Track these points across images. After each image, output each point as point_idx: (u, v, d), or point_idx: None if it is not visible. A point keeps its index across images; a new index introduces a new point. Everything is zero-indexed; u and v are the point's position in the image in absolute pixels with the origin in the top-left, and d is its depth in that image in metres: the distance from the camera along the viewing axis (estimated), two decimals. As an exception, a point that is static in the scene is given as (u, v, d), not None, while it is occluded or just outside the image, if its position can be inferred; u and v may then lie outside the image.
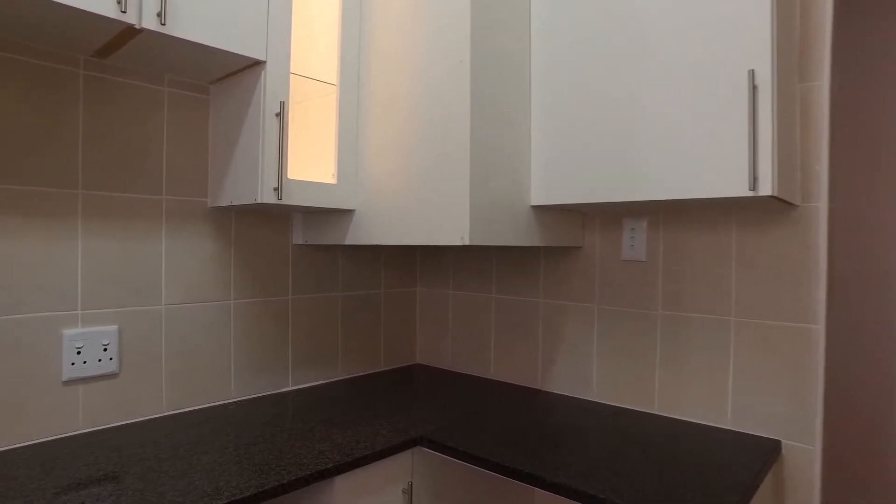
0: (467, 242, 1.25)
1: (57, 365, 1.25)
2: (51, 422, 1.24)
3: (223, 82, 1.43)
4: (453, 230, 1.28)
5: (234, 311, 1.55)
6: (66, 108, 1.26)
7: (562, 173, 1.34)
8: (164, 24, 1.11)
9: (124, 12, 1.06)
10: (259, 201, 1.30)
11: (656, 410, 1.48)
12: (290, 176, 1.39)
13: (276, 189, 1.31)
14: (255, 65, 1.32)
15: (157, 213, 1.40)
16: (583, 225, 1.62)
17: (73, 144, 1.27)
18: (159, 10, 1.11)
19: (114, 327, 1.32)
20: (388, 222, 1.42)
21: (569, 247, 1.64)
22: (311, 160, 1.58)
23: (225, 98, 1.43)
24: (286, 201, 1.33)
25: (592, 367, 1.60)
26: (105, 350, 1.30)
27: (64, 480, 1.03)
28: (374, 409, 1.49)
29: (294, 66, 1.45)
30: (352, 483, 1.19)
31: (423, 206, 1.35)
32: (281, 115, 1.30)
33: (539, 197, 1.40)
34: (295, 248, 1.69)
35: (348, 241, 1.53)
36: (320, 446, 1.22)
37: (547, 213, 1.48)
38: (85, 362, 1.28)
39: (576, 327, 1.63)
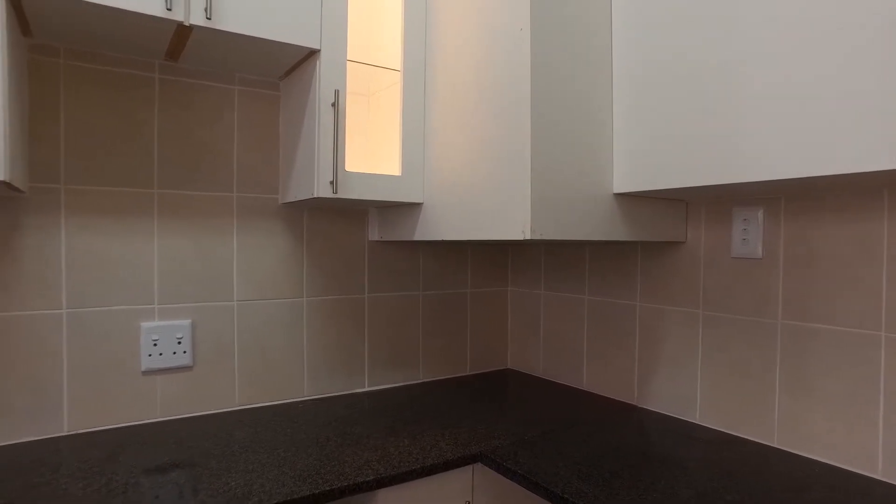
0: (528, 236, 1.10)
1: (136, 356, 1.31)
2: (131, 408, 1.31)
3: (290, 76, 1.42)
4: (514, 223, 1.13)
5: (307, 309, 1.54)
6: (143, 111, 1.31)
7: (652, 154, 1.13)
8: (209, 19, 1.11)
9: (170, 10, 1.07)
10: (315, 195, 1.25)
11: (777, 444, 1.20)
12: (350, 168, 1.33)
13: (331, 182, 1.26)
14: (312, 54, 1.28)
15: (229, 211, 1.42)
16: (685, 216, 1.37)
17: (149, 145, 1.32)
18: (205, 5, 1.10)
19: (187, 321, 1.36)
20: (452, 215, 1.31)
21: (669, 242, 1.39)
22: (384, 153, 1.52)
23: (290, 92, 1.41)
24: (342, 195, 1.27)
25: (696, 383, 1.35)
26: (179, 343, 1.35)
27: (119, 467, 1.07)
28: (445, 417, 1.39)
29: (358, 55, 1.40)
30: (397, 498, 1.09)
31: (484, 197, 1.21)
32: (336, 105, 1.25)
33: (624, 183, 1.19)
34: (371, 245, 1.64)
35: (417, 237, 1.44)
36: (369, 455, 1.15)
37: (635, 203, 1.26)
38: (161, 354, 1.33)
39: (677, 336, 1.39)
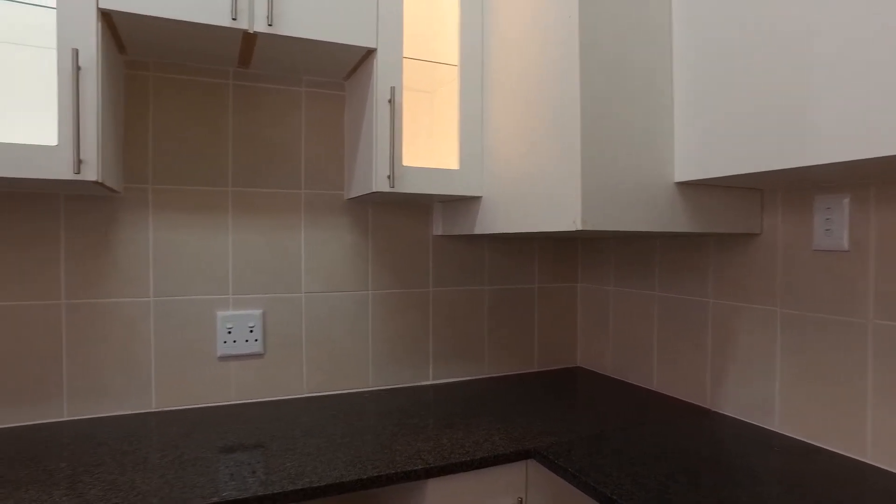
0: (579, 227, 1.06)
1: (213, 342, 1.42)
2: (209, 391, 1.42)
3: (353, 76, 1.47)
4: (565, 214, 1.10)
5: (373, 301, 1.58)
6: (220, 116, 1.42)
7: (719, 138, 1.05)
8: (271, 25, 1.17)
9: (235, 19, 1.14)
10: (373, 190, 1.29)
11: (869, 459, 1.07)
12: (408, 163, 1.36)
13: (388, 176, 1.29)
14: (369, 54, 1.32)
15: (297, 207, 1.50)
16: (760, 206, 1.26)
17: (224, 147, 1.42)
18: (267, 13, 1.17)
19: (259, 311, 1.45)
20: (508, 208, 1.29)
21: (742, 234, 1.29)
22: (446, 149, 1.53)
23: (353, 91, 1.46)
24: (399, 189, 1.30)
25: (775, 387, 1.24)
26: (251, 332, 1.44)
27: (192, 443, 1.16)
28: (504, 413, 1.38)
29: (418, 52, 1.42)
30: (447, 489, 1.10)
31: (537, 188, 1.19)
32: (392, 101, 1.27)
33: (687, 171, 1.12)
34: (435, 239, 1.66)
35: (477, 230, 1.43)
36: (422, 446, 1.16)
37: (701, 192, 1.18)
38: (235, 341, 1.43)
39: (753, 336, 1.28)
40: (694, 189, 1.17)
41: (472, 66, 1.39)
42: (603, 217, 1.08)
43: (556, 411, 1.39)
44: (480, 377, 1.72)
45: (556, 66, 1.12)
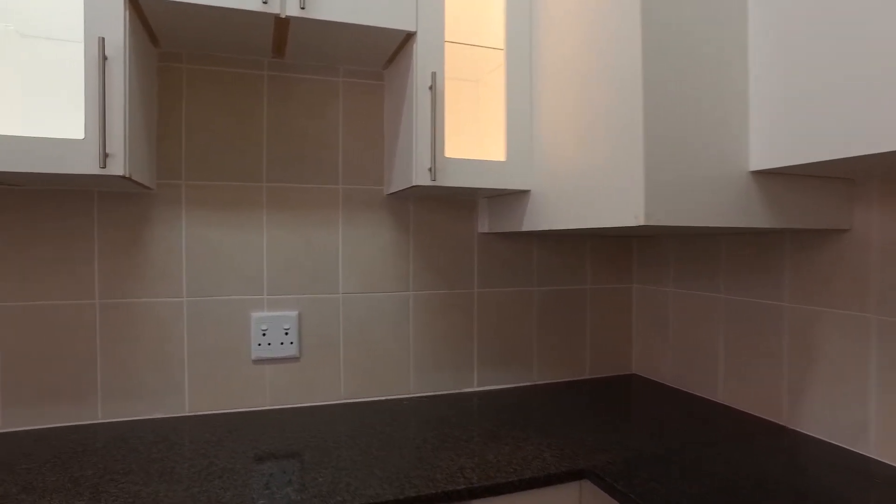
0: (642, 222, 0.94)
1: (247, 344, 1.36)
2: (243, 395, 1.36)
3: (392, 64, 1.39)
4: (626, 208, 0.98)
5: (414, 303, 1.50)
6: (254, 108, 1.36)
7: (801, 120, 0.91)
8: (303, 9, 1.10)
9: (266, 3, 1.08)
10: (413, 183, 1.20)
11: None
12: (450, 154, 1.26)
13: (429, 169, 1.20)
14: (409, 38, 1.23)
15: (334, 203, 1.42)
16: (849, 198, 1.11)
17: (258, 141, 1.36)
18: (298, -6, 1.10)
19: (294, 313, 1.39)
20: (561, 203, 1.18)
21: (827, 230, 1.14)
22: (492, 140, 1.43)
23: (393, 79, 1.38)
24: (441, 182, 1.20)
25: (869, 407, 1.08)
26: (286, 334, 1.38)
27: (223, 452, 1.10)
28: (555, 424, 1.27)
29: (459, 35, 1.32)
30: (491, 511, 1.00)
31: (594, 181, 1.07)
32: (433, 88, 1.18)
33: (763, 159, 0.98)
34: (480, 237, 1.56)
35: (525, 227, 1.33)
36: (465, 462, 1.07)
37: (780, 182, 1.04)
38: (269, 344, 1.37)
39: (840, 345, 1.13)
40: (772, 179, 1.03)
41: (518, 49, 1.28)
42: (669, 211, 0.96)
43: (610, 424, 1.27)
44: (528, 384, 1.61)
45: (614, 41, 1.01)
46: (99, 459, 1.07)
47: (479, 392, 1.54)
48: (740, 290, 1.35)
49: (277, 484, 0.96)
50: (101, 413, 1.26)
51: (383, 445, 1.15)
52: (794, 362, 1.22)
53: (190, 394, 1.32)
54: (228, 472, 1.01)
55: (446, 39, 1.29)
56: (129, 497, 0.91)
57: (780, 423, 1.26)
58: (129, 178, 1.05)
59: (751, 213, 1.01)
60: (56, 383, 1.24)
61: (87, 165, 0.98)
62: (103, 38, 0.98)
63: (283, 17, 1.10)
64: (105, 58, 0.99)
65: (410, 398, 1.48)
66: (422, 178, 1.20)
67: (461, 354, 1.54)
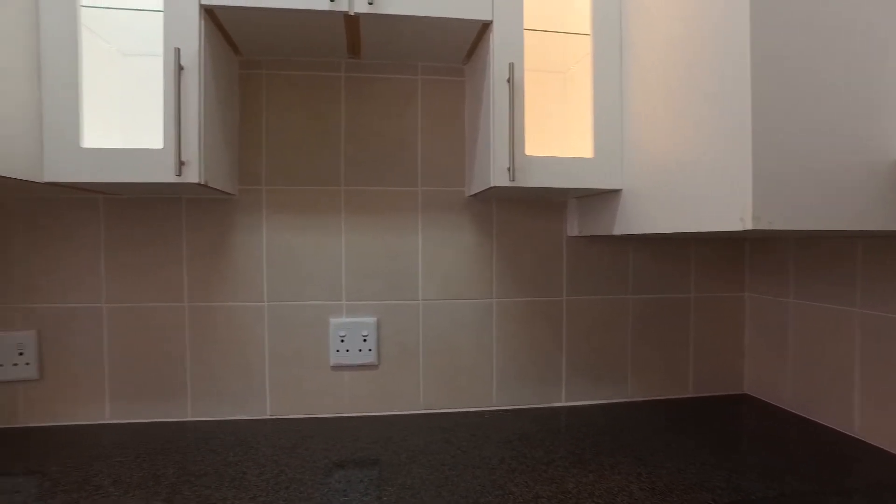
0: (749, 226, 0.80)
1: (326, 350, 1.35)
2: (322, 401, 1.35)
3: (471, 58, 1.31)
4: (729, 208, 0.84)
5: (497, 311, 1.41)
6: (331, 111, 1.34)
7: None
8: (371, 4, 1.06)
9: (333, 1, 1.05)
10: (490, 185, 1.12)
11: None
12: (532, 152, 1.16)
13: (508, 169, 1.11)
14: (485, 28, 1.15)
15: (413, 206, 1.38)
16: None
17: (336, 144, 1.35)
18: (367, -10, 1.06)
19: (373, 319, 1.36)
20: (654, 203, 1.05)
21: None
22: (580, 135, 1.31)
23: (472, 74, 1.30)
24: (521, 182, 1.11)
25: None
26: (365, 340, 1.35)
27: (294, 460, 1.09)
28: (648, 450, 1.13)
29: (543, 23, 1.22)
30: (569, 548, 0.90)
31: (690, 176, 0.93)
32: (511, 81, 1.09)
33: (914, 145, 0.80)
34: (570, 241, 1.44)
35: (616, 231, 1.20)
36: (541, 490, 0.97)
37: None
38: (348, 350, 1.35)
39: None
40: (925, 170, 0.84)
41: (607, 33, 1.16)
42: (785, 212, 0.80)
43: (715, 455, 1.11)
44: (622, 401, 1.47)
45: (715, 16, 0.86)
46: (181, 458, 1.10)
47: (568, 408, 1.42)
48: (884, 303, 1.13)
49: (339, 501, 0.93)
50: (190, 411, 1.31)
51: (457, 463, 1.08)
52: (955, 394, 1.00)
53: (271, 397, 1.33)
54: (296, 483, 0.99)
55: (527, 27, 1.19)
56: (199, 501, 0.92)
57: (937, 468, 1.03)
58: (206, 185, 1.06)
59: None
60: (153, 381, 1.30)
61: (165, 174, 1.01)
62: (178, 49, 1.00)
63: (352, 14, 1.07)
64: (181, 68, 1.01)
65: (492, 411, 1.39)
66: (499, 179, 1.11)
67: (548, 366, 1.44)
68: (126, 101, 1.26)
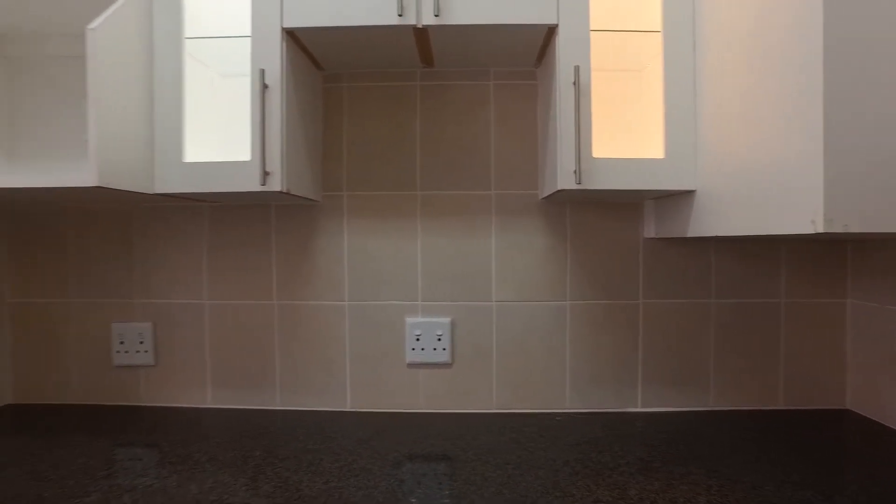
0: (821, 229, 0.75)
1: (402, 348, 1.41)
2: (398, 397, 1.42)
3: (542, 61, 1.31)
4: (799, 210, 0.79)
5: (571, 313, 1.40)
6: (408, 119, 1.40)
7: None
8: (437, 16, 1.10)
9: (401, 16, 1.10)
10: (557, 188, 1.13)
11: None
12: (602, 154, 1.15)
13: (574, 172, 1.11)
14: (552, 31, 1.15)
15: (487, 209, 1.40)
16: None
17: (412, 150, 1.40)
18: (432, 5, 1.10)
19: (447, 319, 1.40)
20: (727, 204, 1.00)
21: None
22: (653, 134, 1.28)
23: (542, 78, 1.31)
24: (587, 185, 1.10)
25: None
26: (439, 340, 1.40)
27: (367, 451, 1.16)
28: (723, 463, 1.08)
29: (613, 21, 1.20)
30: (628, 555, 0.89)
31: (761, 175, 0.88)
32: (577, 84, 1.09)
33: None
34: (646, 243, 1.40)
35: (690, 233, 1.15)
36: (602, 494, 0.96)
37: None
38: (423, 349, 1.40)
39: None
40: None
41: (678, 28, 1.12)
42: (863, 214, 0.74)
43: (802, 473, 1.04)
44: (702, 409, 1.40)
45: (788, 9, 0.81)
46: (268, 442, 1.20)
47: (644, 413, 1.38)
48: None
49: (402, 491, 0.98)
50: (279, 401, 1.43)
51: (521, 463, 1.10)
52: None
53: (351, 391, 1.42)
54: (365, 472, 1.06)
55: (595, 28, 1.18)
56: (279, 482, 1.01)
57: None
58: (289, 193, 1.16)
59: None
60: (247, 372, 1.43)
61: (252, 183, 1.11)
62: (263, 70, 1.10)
63: (420, 26, 1.12)
64: (265, 86, 1.11)
65: (565, 413, 1.39)
66: (565, 182, 1.11)
67: (623, 370, 1.41)
68: (224, 117, 1.39)
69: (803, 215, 0.78)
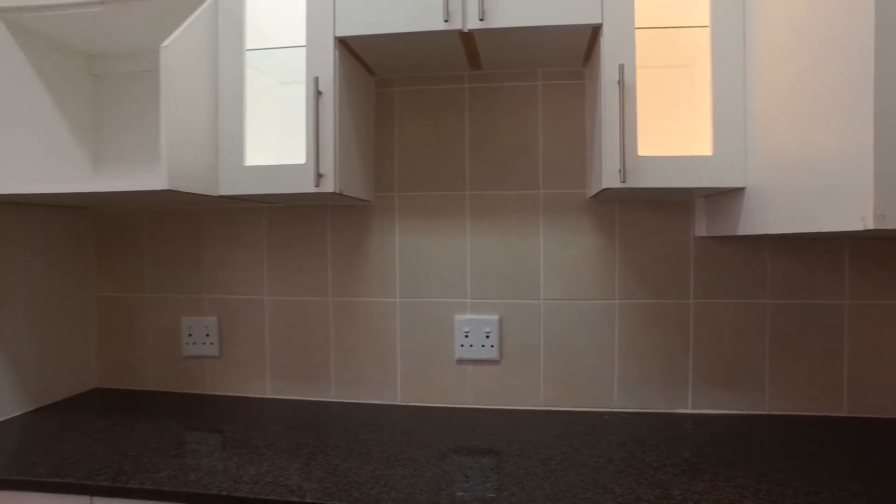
0: (871, 226, 0.72)
1: (451, 345, 1.45)
2: (446, 392, 1.45)
3: (590, 61, 1.32)
4: (849, 207, 0.76)
5: (619, 312, 1.40)
6: (456, 121, 1.44)
7: None
8: (482, 20, 1.12)
9: (447, 21, 1.13)
10: (602, 187, 1.13)
11: None
12: (648, 152, 1.14)
13: (619, 170, 1.10)
14: (597, 30, 1.15)
15: (535, 208, 1.42)
16: None
17: (461, 151, 1.44)
18: (477, 9, 1.13)
19: (495, 317, 1.42)
20: (777, 202, 0.97)
21: None
22: (703, 130, 1.25)
23: (589, 77, 1.31)
24: (632, 184, 1.10)
25: None
26: (487, 337, 1.42)
27: (412, 442, 1.20)
28: (774, 467, 1.05)
29: (661, 18, 1.19)
30: (669, 554, 0.88)
31: (811, 172, 0.86)
32: (621, 82, 1.09)
33: None
34: (697, 241, 1.37)
35: (741, 231, 1.13)
36: (643, 493, 0.96)
37: None
38: (472, 346, 1.43)
39: None
40: None
41: (728, 26, 1.09)
42: (915, 209, 0.71)
43: (861, 482, 0.99)
44: (757, 413, 1.36)
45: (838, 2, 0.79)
46: (321, 432, 1.26)
47: (694, 415, 1.36)
48: None
49: (445, 482, 1.01)
50: (333, 392, 1.49)
51: (564, 459, 1.11)
52: None
53: (402, 385, 1.47)
54: (412, 462, 1.10)
55: (642, 26, 1.17)
56: (329, 468, 1.06)
57: None
58: (341, 194, 1.22)
59: None
60: (303, 365, 1.50)
61: (306, 185, 1.18)
62: (317, 77, 1.16)
63: (466, 31, 1.15)
64: (319, 93, 1.17)
65: (612, 413, 1.38)
66: (610, 181, 1.12)
67: (673, 371, 1.38)
68: (282, 122, 1.47)
69: (853, 212, 0.76)
